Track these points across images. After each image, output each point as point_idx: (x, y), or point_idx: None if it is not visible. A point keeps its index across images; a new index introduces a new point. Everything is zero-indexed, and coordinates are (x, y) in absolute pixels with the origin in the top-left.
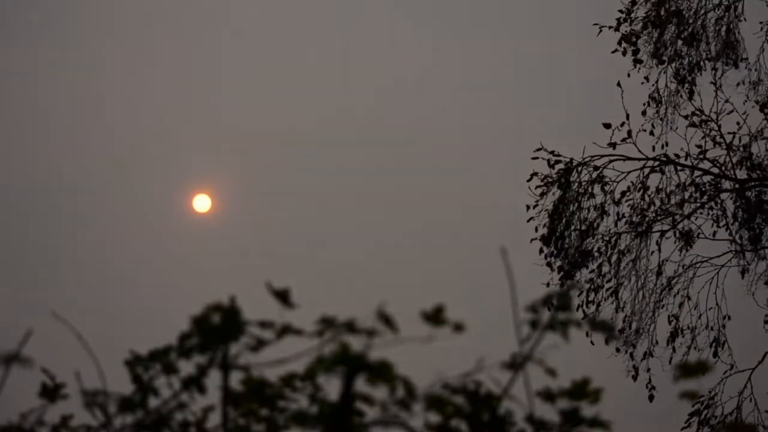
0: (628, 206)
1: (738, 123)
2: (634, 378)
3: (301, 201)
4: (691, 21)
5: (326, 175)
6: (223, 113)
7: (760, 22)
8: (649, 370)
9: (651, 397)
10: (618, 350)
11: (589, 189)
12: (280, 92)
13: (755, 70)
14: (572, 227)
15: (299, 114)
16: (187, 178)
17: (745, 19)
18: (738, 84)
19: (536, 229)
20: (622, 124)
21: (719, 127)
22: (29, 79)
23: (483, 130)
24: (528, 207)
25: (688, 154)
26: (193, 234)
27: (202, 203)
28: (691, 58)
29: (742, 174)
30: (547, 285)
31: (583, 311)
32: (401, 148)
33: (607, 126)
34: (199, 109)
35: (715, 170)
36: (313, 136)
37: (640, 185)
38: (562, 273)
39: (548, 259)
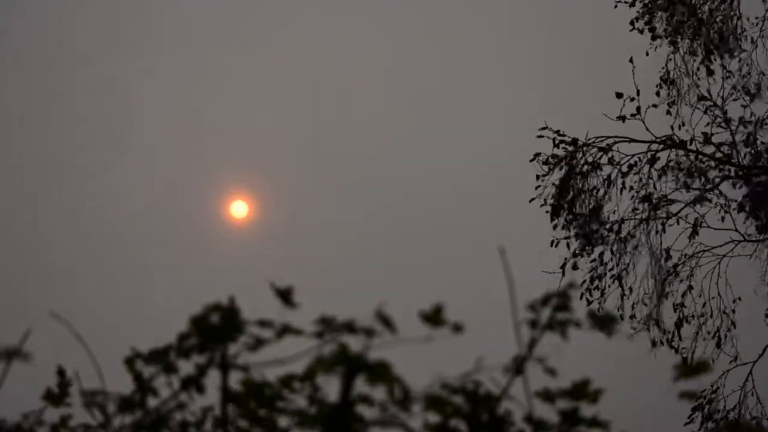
0: (635, 181)
1: (744, 108)
2: (669, 344)
3: (337, 208)
4: (698, 5)
5: (360, 182)
6: (263, 119)
7: (756, 17)
8: (680, 338)
9: (685, 359)
10: (635, 329)
11: (596, 164)
12: (316, 100)
13: (747, 65)
14: (581, 198)
15: (335, 122)
16: (225, 184)
17: (741, 13)
18: (728, 77)
19: (545, 201)
20: (632, 99)
21: (725, 113)
22: (60, 78)
23: (481, 123)
24: (537, 177)
25: (693, 139)
26: (230, 239)
27: (239, 209)
28: (703, 39)
29: (746, 161)
30: (565, 261)
31: (587, 299)
32: (405, 145)
33: (619, 95)
34: (237, 115)
35: (720, 156)
36: (348, 144)
37: (647, 161)
38: (578, 242)
39: (564, 229)
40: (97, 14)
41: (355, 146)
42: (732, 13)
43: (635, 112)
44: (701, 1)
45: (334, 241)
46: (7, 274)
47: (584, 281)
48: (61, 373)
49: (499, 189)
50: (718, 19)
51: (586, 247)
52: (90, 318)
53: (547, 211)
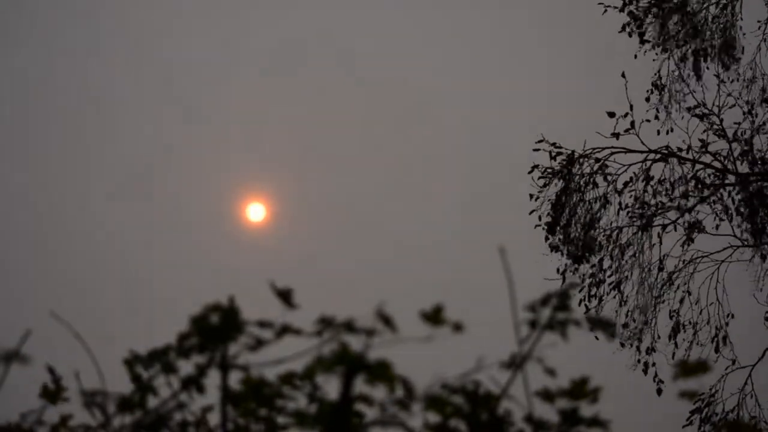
0: (630, 197)
1: (742, 115)
2: (645, 371)
3: (356, 211)
4: (695, 12)
5: (375, 185)
6: (281, 121)
7: (758, 21)
8: (654, 364)
9: (659, 391)
10: (623, 345)
11: (592, 179)
12: (335, 103)
13: (751, 69)
14: (576, 216)
15: (354, 124)
16: (241, 186)
17: (742, 18)
18: (731, 81)
19: (540, 218)
20: (626, 115)
21: (721, 121)
22: (89, 76)
23: (483, 124)
24: (531, 196)
25: (690, 147)
26: (247, 243)
27: (256, 212)
28: (695, 47)
29: (743, 169)
30: (557, 271)
31: (585, 306)
32: (416, 147)
33: (612, 115)
34: (256, 117)
35: (717, 164)
36: (364, 148)
37: (642, 176)
38: (569, 260)
39: (554, 247)
40: (115, 15)
41: (371, 150)
42: (734, 19)
43: (629, 126)
44: (697, 9)
45: (349, 244)
46: (24, 274)
47: (582, 288)
48: (51, 370)
49: (501, 190)
50: (718, 27)
51: (577, 267)
52: (103, 319)
53: (543, 228)
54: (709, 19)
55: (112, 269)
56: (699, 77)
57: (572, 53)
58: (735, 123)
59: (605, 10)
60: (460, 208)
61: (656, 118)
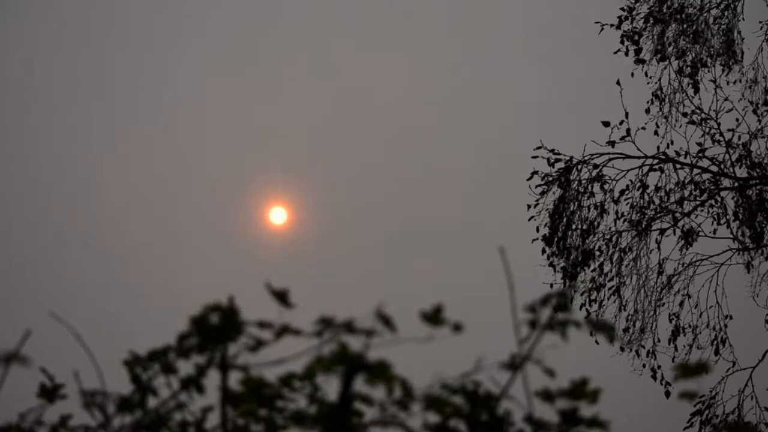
0: (627, 204)
1: (737, 119)
2: (654, 377)
3: (378, 214)
4: (694, 18)
5: (401, 190)
6: (303, 125)
7: (760, 22)
8: (659, 367)
9: (668, 393)
10: (622, 349)
11: (589, 188)
12: (357, 109)
13: (753, 69)
14: (573, 226)
15: (375, 130)
16: (263, 190)
17: (743, 19)
18: (735, 82)
19: (537, 229)
20: (621, 123)
21: (718, 125)
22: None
23: (483, 129)
24: (529, 206)
25: (687, 153)
26: (269, 246)
27: (278, 216)
28: (695, 55)
29: (741, 172)
30: (551, 286)
31: (586, 310)
32: (410, 148)
33: (606, 124)
34: (277, 120)
35: (715, 168)
36: (386, 151)
37: (639, 183)
38: (564, 273)
39: (551, 260)
40: (138, 19)
41: (386, 154)
42: (735, 21)
43: (625, 134)
44: (696, 13)
45: (367, 247)
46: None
47: (583, 292)
48: (43, 370)
49: (502, 193)
50: (720, 29)
51: (572, 282)
52: (119, 320)
53: (541, 240)
54: (710, 21)
55: (124, 270)
56: (697, 89)
57: (571, 57)
58: (729, 130)
59: (602, 29)
60: (462, 208)
61: (656, 133)
